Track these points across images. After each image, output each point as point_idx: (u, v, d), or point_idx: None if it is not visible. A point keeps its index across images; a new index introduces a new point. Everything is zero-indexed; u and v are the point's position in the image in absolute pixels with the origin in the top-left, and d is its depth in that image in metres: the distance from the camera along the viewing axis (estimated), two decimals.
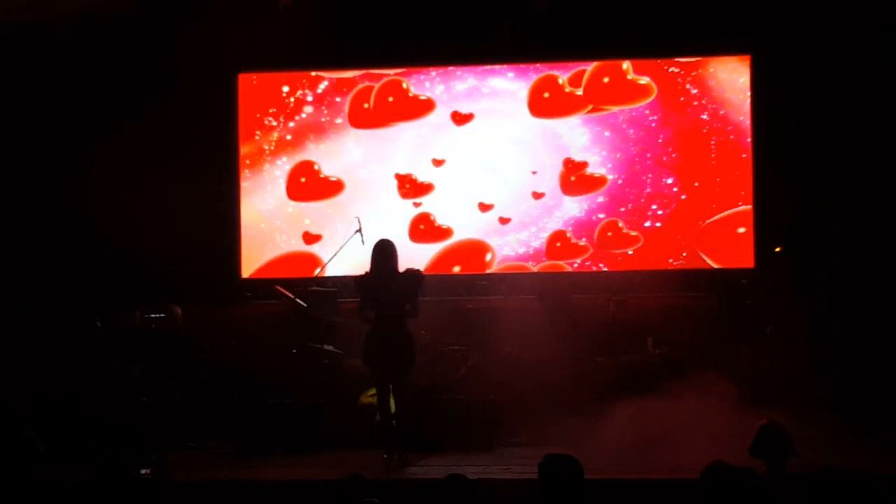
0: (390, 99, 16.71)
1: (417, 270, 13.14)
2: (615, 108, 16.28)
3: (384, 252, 12.79)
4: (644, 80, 16.21)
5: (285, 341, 14.70)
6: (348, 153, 16.72)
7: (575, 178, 16.31)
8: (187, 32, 15.57)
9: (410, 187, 16.58)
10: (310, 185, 16.75)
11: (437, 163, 16.51)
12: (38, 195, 15.89)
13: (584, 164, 16.24)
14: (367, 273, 12.91)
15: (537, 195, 16.32)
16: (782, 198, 15.29)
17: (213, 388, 14.43)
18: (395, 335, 12.62)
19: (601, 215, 16.13)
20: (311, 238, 16.59)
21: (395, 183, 16.54)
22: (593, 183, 16.27)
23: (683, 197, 16.02)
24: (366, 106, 16.73)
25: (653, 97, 16.16)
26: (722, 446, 10.74)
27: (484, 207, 16.37)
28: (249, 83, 16.68)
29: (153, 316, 15.16)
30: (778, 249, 15.60)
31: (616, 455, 11.98)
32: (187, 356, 14.79)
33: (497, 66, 16.47)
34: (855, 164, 15.12)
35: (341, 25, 15.89)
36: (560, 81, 16.40)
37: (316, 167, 16.73)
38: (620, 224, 16.15)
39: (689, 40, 15.83)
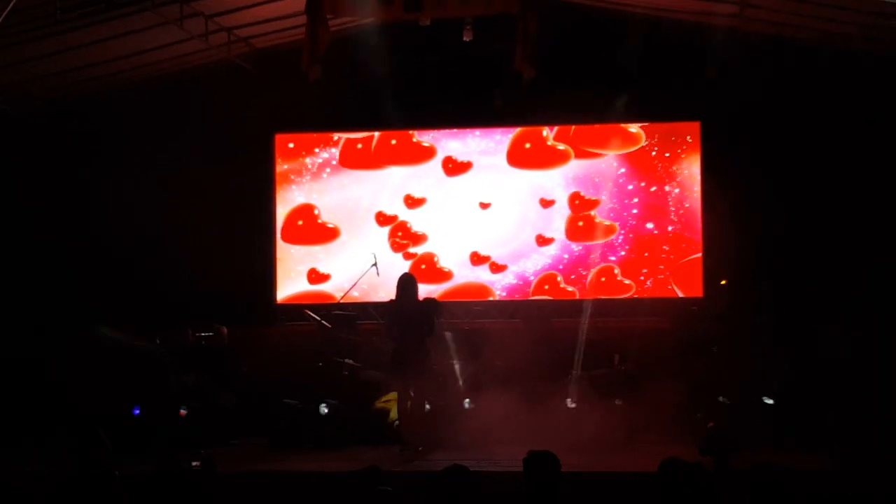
0: (393, 142, 16.58)
1: (434, 299, 13.65)
2: (609, 153, 16.12)
3: (407, 283, 12.99)
4: (634, 128, 16.15)
5: (313, 356, 14.71)
6: (343, 194, 16.53)
7: (583, 223, 16.13)
8: (235, 101, 15.74)
9: (403, 235, 16.37)
10: (307, 229, 16.58)
11: (418, 204, 16.41)
12: (117, 236, 15.98)
13: (594, 203, 16.07)
14: (392, 300, 13.10)
15: (545, 240, 16.14)
16: (727, 239, 15.35)
17: (253, 394, 14.50)
18: (415, 352, 12.76)
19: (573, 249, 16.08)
20: (319, 277, 16.52)
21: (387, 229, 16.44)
22: (603, 231, 16.09)
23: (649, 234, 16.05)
24: (359, 146, 16.56)
25: (642, 144, 16.07)
26: (676, 445, 10.80)
27: (479, 258, 16.27)
28: (285, 141, 16.69)
29: (203, 334, 15.23)
30: (723, 282, 15.62)
31: (588, 451, 12.00)
32: (231, 368, 14.81)
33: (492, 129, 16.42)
34: (786, 212, 15.19)
35: (359, 96, 15.98)
36: (545, 134, 16.31)
37: (316, 211, 16.60)
38: (616, 271, 16.00)
39: (649, 108, 15.86)
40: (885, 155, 15.12)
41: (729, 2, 14.33)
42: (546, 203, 16.21)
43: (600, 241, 16.08)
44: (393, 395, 13.48)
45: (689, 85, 15.33)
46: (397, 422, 13.35)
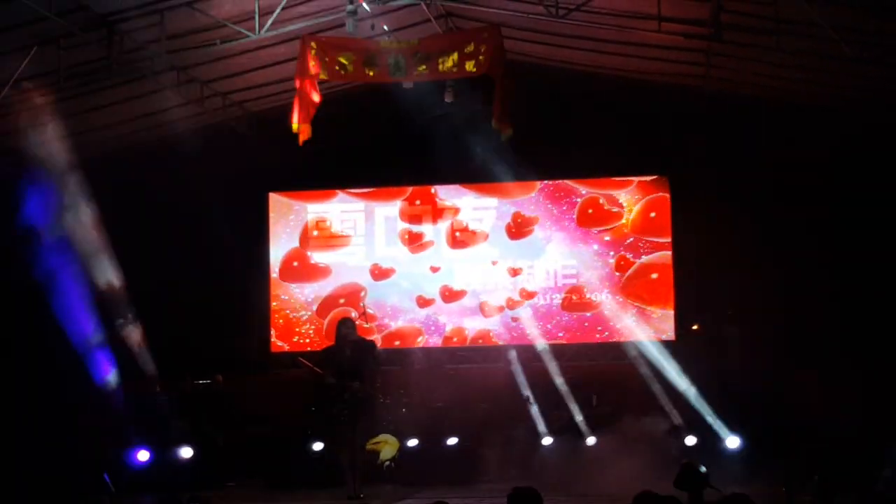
0: None
1: (371, 341, 12.97)
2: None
3: (342, 328, 12.32)
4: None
5: (305, 401, 14.59)
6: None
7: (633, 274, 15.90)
8: (230, 161, 15.76)
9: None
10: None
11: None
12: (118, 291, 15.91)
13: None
14: (331, 345, 12.73)
15: (590, 306, 15.97)
16: (697, 286, 15.39)
17: (249, 438, 14.40)
18: (353, 396, 12.04)
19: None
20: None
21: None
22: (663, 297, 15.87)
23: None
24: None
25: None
26: (651, 479, 10.75)
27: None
28: (277, 199, 16.66)
29: (201, 382, 15.14)
30: (696, 327, 15.65)
31: (568, 486, 11.97)
32: (228, 413, 14.73)
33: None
34: (753, 261, 15.21)
35: (347, 157, 16.06)
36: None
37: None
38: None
39: (622, 163, 15.92)
40: (845, 201, 15.25)
41: (696, 64, 14.52)
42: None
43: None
44: (382, 437, 13.42)
45: (659, 140, 15.45)
46: (388, 462, 13.28)
